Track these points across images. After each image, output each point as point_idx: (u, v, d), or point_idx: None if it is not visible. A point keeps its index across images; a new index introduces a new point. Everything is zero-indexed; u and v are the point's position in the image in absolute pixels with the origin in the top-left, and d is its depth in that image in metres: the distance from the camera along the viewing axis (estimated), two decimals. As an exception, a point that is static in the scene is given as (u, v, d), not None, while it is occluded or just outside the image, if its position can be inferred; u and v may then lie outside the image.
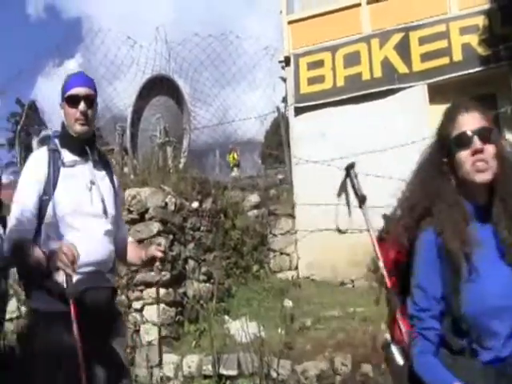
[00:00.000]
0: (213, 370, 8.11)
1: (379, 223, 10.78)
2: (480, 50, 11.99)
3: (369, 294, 10.91)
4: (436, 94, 12.25)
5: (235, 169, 22.15)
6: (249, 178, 15.92)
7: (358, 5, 13.67)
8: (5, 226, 7.50)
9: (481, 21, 12.08)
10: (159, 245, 3.97)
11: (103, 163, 3.90)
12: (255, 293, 11.04)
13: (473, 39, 12.08)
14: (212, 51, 16.30)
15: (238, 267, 11.63)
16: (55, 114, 15.94)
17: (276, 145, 19.10)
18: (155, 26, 15.36)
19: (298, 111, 13.53)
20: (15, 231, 3.48)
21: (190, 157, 14.92)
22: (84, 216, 3.58)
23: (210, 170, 17.41)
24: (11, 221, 3.55)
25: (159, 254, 3.81)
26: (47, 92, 16.99)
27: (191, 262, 10.33)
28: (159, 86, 14.98)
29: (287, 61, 14.00)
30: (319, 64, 13.52)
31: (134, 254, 4.06)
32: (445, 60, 12.29)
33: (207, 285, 10.52)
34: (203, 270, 10.61)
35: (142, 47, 15.79)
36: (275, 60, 15.27)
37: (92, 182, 3.68)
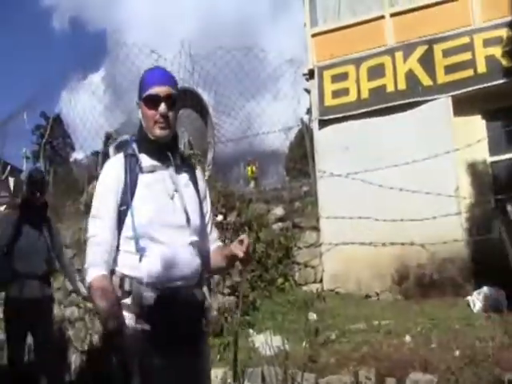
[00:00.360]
0: (237, 383, 8.11)
1: (408, 235, 10.63)
2: (504, 62, 11.92)
3: (393, 306, 10.91)
4: (460, 106, 12.22)
5: (253, 182, 21.47)
6: (273, 191, 15.93)
7: (382, 17, 13.67)
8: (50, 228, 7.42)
9: (504, 32, 12.04)
10: (241, 242, 3.32)
11: (186, 168, 3.48)
12: (280, 306, 11.04)
13: (497, 51, 12.02)
14: (236, 64, 16.41)
15: (262, 280, 11.63)
16: (79, 128, 16.12)
17: (300, 156, 19.07)
18: (180, 37, 15.53)
19: (323, 124, 13.52)
20: (92, 254, 3.17)
21: (214, 170, 14.98)
22: (166, 227, 3.20)
23: (234, 182, 17.45)
24: (89, 240, 3.23)
25: (240, 254, 3.28)
26: (72, 105, 17.11)
27: (216, 276, 10.35)
28: (183, 100, 15.05)
29: (311, 73, 14.02)
30: (343, 77, 13.53)
31: (218, 255, 3.59)
32: (469, 72, 12.24)
33: (232, 298, 10.53)
34: (228, 283, 10.62)
35: (166, 60, 15.90)
36: (299, 72, 15.32)
37: (174, 190, 3.29)
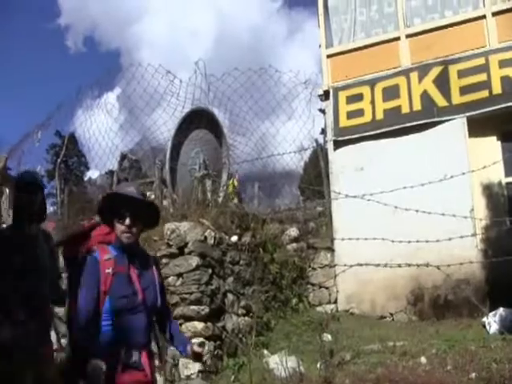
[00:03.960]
0: (252, 404, 8.08)
1: (423, 256, 10.53)
2: (519, 83, 11.96)
3: (408, 327, 10.86)
4: (475, 127, 12.21)
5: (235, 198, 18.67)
6: (288, 211, 15.89)
7: (397, 38, 13.72)
8: None
9: (520, 54, 12.08)
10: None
11: None
12: (294, 326, 11.01)
13: (512, 72, 12.06)
14: (251, 85, 16.47)
15: (276, 301, 11.62)
16: (95, 147, 16.21)
17: (315, 177, 19.03)
18: (195, 57, 15.65)
19: (338, 145, 13.53)
20: None
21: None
22: None
23: (248, 202, 17.41)
24: None
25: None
26: (87, 124, 17.05)
27: (230, 296, 10.35)
28: (198, 120, 15.13)
29: (326, 94, 14.03)
30: (358, 97, 13.55)
31: None
32: (484, 93, 12.25)
33: (246, 318, 10.53)
34: (242, 303, 10.63)
35: (182, 82, 15.98)
36: (314, 93, 15.35)
37: None
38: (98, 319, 3.80)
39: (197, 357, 4.24)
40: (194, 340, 9.17)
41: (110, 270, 3.86)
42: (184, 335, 4.68)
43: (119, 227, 3.92)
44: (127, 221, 3.88)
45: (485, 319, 10.16)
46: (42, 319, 5.00)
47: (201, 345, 4.25)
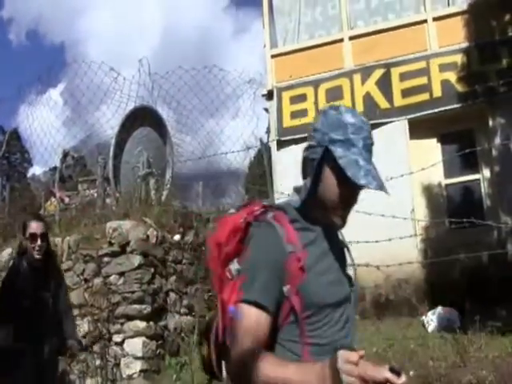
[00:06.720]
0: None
1: (363, 256, 10.78)
2: (458, 87, 12.21)
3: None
4: (416, 129, 12.41)
5: None
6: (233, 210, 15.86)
7: (341, 40, 13.85)
8: None
9: (459, 58, 12.32)
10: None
11: None
12: (236, 325, 11.01)
13: (451, 76, 12.31)
14: (196, 84, 16.44)
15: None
16: (37, 144, 15.98)
17: (260, 175, 19.09)
18: (141, 53, 15.54)
19: (281, 145, 13.60)
20: None
21: (172, 188, 14.95)
22: None
23: (193, 199, 17.42)
24: None
25: None
26: (30, 120, 16.65)
27: (172, 295, 10.33)
28: (142, 118, 15.01)
29: (270, 94, 14.09)
30: (302, 98, 13.65)
31: None
32: (425, 96, 12.48)
33: (188, 317, 10.52)
34: (184, 302, 10.62)
35: (126, 79, 15.84)
36: (258, 93, 15.39)
37: None
38: None
39: None
40: (136, 339, 9.19)
41: None
42: None
43: None
44: None
45: (424, 318, 10.35)
46: None
47: None
